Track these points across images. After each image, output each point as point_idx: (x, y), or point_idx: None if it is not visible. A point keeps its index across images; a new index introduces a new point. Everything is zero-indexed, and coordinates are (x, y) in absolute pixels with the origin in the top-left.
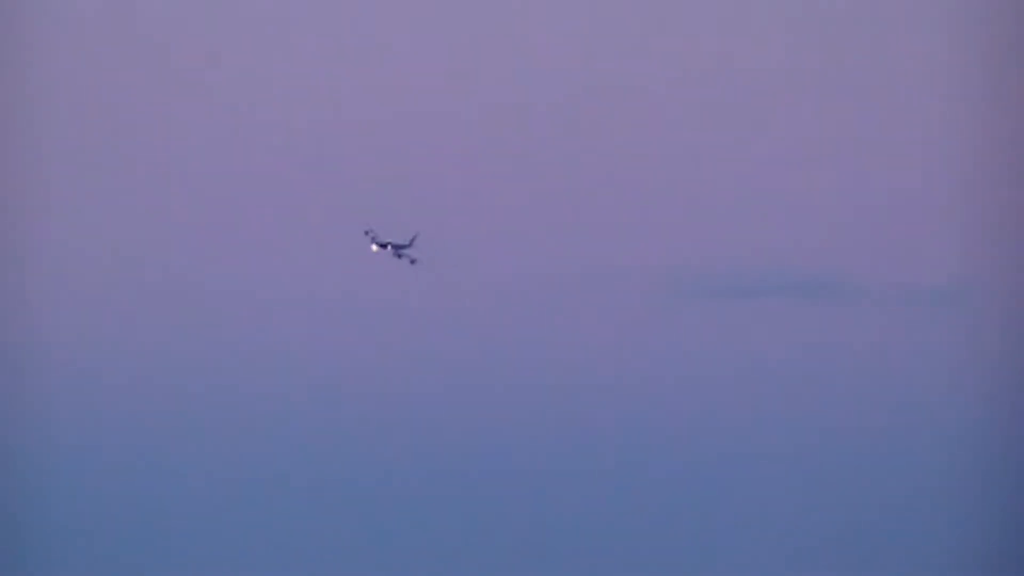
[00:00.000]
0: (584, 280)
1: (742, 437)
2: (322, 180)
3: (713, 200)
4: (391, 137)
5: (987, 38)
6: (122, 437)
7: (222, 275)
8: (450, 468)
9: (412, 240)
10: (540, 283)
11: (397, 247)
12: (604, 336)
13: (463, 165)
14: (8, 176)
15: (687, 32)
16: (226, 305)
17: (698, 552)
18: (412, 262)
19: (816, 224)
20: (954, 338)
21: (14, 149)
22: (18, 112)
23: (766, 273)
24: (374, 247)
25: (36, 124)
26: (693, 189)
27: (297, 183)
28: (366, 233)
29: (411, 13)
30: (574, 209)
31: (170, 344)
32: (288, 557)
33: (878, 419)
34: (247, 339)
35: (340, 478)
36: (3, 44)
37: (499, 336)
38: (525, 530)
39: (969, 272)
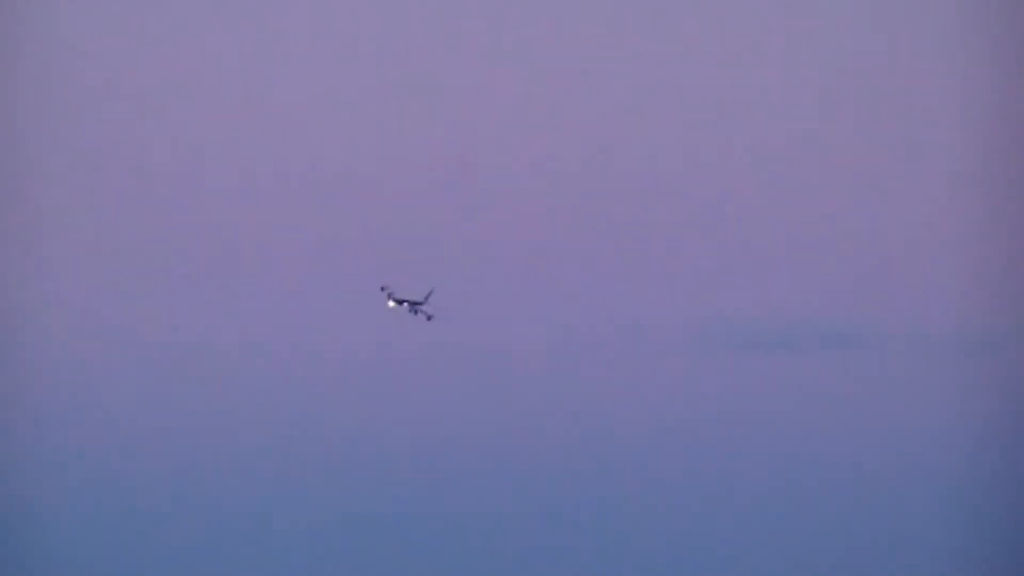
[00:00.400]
0: (598, 335)
1: (764, 488)
2: (333, 236)
3: (734, 256)
4: (413, 193)
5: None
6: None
7: (230, 331)
8: (475, 527)
9: (427, 296)
10: (564, 339)
11: (413, 304)
12: (622, 390)
13: (493, 222)
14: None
15: (719, 97)
16: (235, 363)
17: None
18: (428, 318)
19: (841, 277)
20: (981, 388)
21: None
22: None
23: (788, 325)
24: (391, 303)
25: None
26: (713, 245)
27: (308, 241)
28: (382, 289)
29: (434, 62)
30: (587, 268)
31: (183, 408)
32: None
33: (900, 470)
34: (256, 394)
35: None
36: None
37: (526, 393)
38: None
39: (997, 323)
